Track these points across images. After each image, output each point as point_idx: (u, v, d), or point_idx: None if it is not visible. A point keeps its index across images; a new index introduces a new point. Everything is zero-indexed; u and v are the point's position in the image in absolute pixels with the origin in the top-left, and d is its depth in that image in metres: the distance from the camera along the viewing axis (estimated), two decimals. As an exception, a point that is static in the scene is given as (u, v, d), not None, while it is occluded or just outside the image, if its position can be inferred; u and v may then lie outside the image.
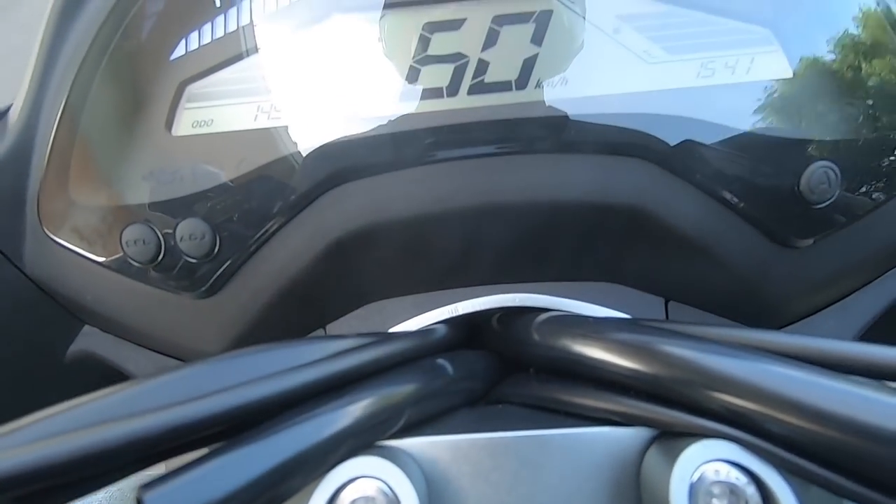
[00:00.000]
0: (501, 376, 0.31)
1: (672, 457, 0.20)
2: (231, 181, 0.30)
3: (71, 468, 0.17)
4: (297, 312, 0.33)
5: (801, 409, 0.19)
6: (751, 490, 0.20)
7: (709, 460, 0.20)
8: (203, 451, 0.19)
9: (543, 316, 0.30)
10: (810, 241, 0.30)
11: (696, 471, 0.20)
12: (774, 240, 0.30)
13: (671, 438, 0.22)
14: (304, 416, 0.21)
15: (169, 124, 0.32)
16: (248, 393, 0.20)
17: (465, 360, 0.29)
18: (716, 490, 0.20)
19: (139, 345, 0.35)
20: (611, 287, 0.34)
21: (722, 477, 0.20)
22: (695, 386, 0.21)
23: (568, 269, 0.34)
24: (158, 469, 0.19)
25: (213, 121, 0.33)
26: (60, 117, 0.31)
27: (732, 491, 0.20)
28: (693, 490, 0.19)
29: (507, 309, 0.32)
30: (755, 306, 0.33)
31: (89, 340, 0.35)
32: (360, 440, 0.22)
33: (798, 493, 0.19)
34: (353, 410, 0.22)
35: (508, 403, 0.29)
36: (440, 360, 0.28)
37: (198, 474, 0.17)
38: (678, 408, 0.22)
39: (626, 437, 0.23)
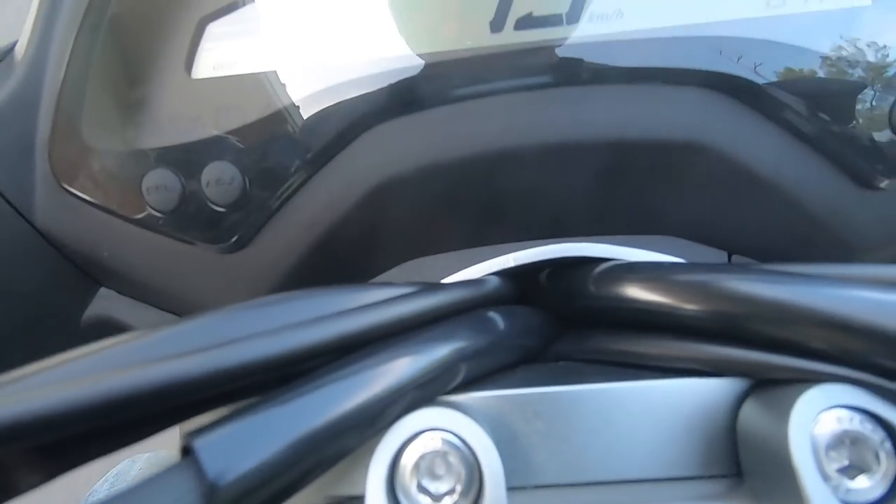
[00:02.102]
0: (557, 335, 0.29)
1: (782, 408, 0.18)
2: (259, 123, 0.28)
3: (100, 412, 0.14)
4: (332, 269, 0.31)
5: None
6: (879, 436, 0.17)
7: (829, 407, 0.17)
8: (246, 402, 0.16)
9: (601, 266, 0.27)
10: (896, 181, 0.28)
11: (815, 421, 0.17)
12: (858, 180, 0.28)
13: (773, 388, 0.19)
14: (359, 364, 0.18)
15: (188, 66, 0.30)
16: (297, 337, 0.17)
17: (520, 314, 0.27)
18: (839, 441, 0.17)
19: (159, 307, 0.32)
20: (670, 241, 0.31)
21: (845, 425, 0.17)
22: (797, 323, 0.19)
23: (624, 222, 0.31)
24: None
25: (235, 62, 0.30)
26: (71, 52, 0.28)
27: (855, 441, 0.17)
28: (815, 443, 0.17)
29: (560, 262, 0.29)
30: (831, 258, 0.30)
31: (106, 304, 0.33)
32: (420, 394, 0.20)
33: None
34: (410, 360, 0.19)
35: (571, 360, 0.26)
36: (493, 313, 0.25)
37: (252, 422, 0.15)
38: (777, 352, 0.19)
39: (716, 388, 0.20)
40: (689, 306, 0.22)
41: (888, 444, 0.17)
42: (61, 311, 0.33)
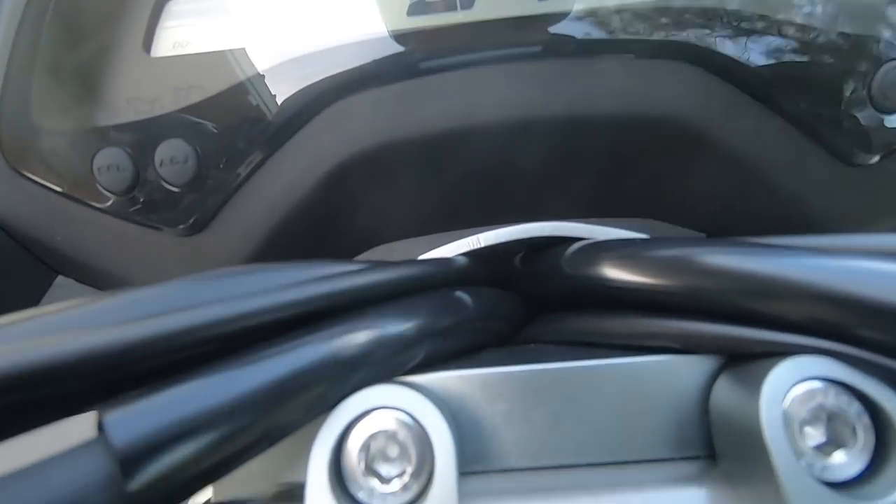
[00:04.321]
0: (528, 319, 0.28)
1: (754, 382, 0.17)
2: (216, 98, 0.27)
3: (15, 385, 0.13)
4: (296, 253, 0.30)
5: None
6: (855, 409, 0.16)
7: (801, 380, 0.16)
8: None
9: (574, 246, 0.26)
10: (877, 157, 0.27)
11: (786, 395, 0.16)
12: (836, 155, 0.27)
13: (745, 363, 0.18)
14: (308, 336, 0.17)
15: (147, 44, 0.29)
16: (241, 305, 0.16)
17: (490, 296, 0.26)
18: (814, 416, 0.16)
19: (119, 296, 0.31)
20: (647, 223, 0.30)
21: (820, 400, 0.16)
22: (768, 294, 0.17)
23: (599, 203, 0.30)
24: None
25: (196, 40, 0.29)
26: (17, 31, 0.27)
27: (831, 415, 0.16)
28: (787, 418, 0.16)
29: (534, 243, 0.28)
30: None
31: (63, 293, 0.32)
32: (374, 371, 0.18)
33: None
34: (365, 334, 0.18)
35: (541, 343, 0.25)
36: (460, 293, 0.24)
37: (170, 394, 0.13)
38: (749, 325, 0.18)
39: (688, 364, 0.19)
40: (661, 281, 0.21)
41: (865, 418, 0.16)
42: (15, 300, 0.32)
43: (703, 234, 0.30)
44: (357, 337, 0.18)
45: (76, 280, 0.32)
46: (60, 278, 0.32)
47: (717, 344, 0.19)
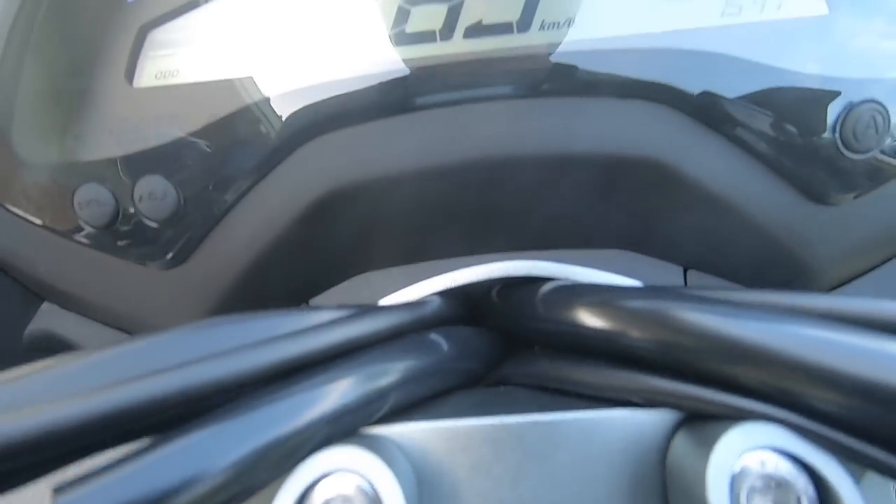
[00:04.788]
0: (503, 356, 0.28)
1: (706, 445, 0.17)
2: (194, 134, 0.27)
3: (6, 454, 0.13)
4: (275, 285, 0.30)
5: (862, 383, 0.15)
6: (802, 482, 0.16)
7: (751, 448, 0.17)
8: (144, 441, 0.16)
9: (549, 285, 0.26)
10: (850, 196, 0.27)
11: (736, 461, 0.16)
12: (810, 196, 0.27)
13: (702, 422, 0.19)
14: (271, 397, 0.17)
15: (129, 74, 0.29)
16: (208, 370, 0.17)
17: (462, 337, 0.26)
18: (760, 484, 0.16)
19: (103, 322, 0.32)
20: (624, 255, 0.31)
21: (768, 468, 0.16)
22: (728, 358, 0.18)
23: (577, 235, 0.30)
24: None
25: (178, 70, 0.29)
26: (0, 61, 0.27)
27: (780, 484, 0.16)
28: (734, 484, 0.16)
29: (510, 279, 0.28)
30: (786, 272, 0.29)
31: (48, 319, 0.32)
32: (339, 427, 0.19)
33: (857, 483, 0.16)
34: (329, 391, 0.19)
35: (511, 385, 0.25)
36: (433, 336, 0.24)
37: (131, 470, 0.14)
38: (709, 385, 0.19)
39: (648, 420, 0.20)
40: (628, 332, 0.21)
41: (811, 490, 0.16)
42: (3, 325, 0.32)
43: (680, 268, 0.31)
44: (329, 395, 0.18)
45: (60, 307, 0.32)
46: (46, 304, 0.33)
47: (676, 401, 0.19)
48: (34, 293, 0.32)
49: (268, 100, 0.27)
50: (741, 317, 0.18)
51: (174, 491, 0.14)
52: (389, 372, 0.21)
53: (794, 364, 0.17)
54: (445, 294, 0.27)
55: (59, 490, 0.13)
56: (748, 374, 0.17)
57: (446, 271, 0.30)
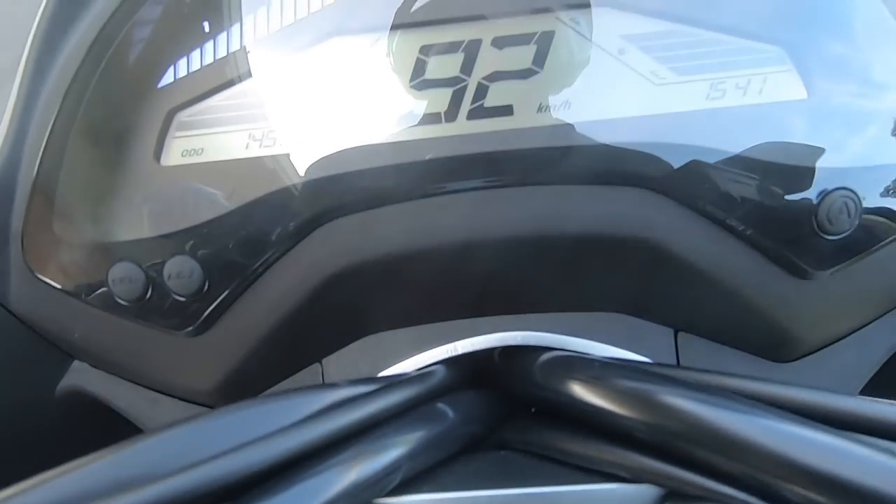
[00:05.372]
0: (504, 416, 0.30)
1: None
2: (221, 216, 0.29)
3: None
4: (291, 348, 0.32)
5: (828, 479, 0.17)
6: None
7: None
8: None
9: (547, 355, 0.28)
10: (827, 272, 0.29)
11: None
12: (789, 271, 0.29)
13: (682, 501, 0.21)
14: (294, 480, 0.20)
15: (157, 154, 0.31)
16: (234, 462, 0.19)
17: (467, 402, 0.28)
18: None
19: (130, 381, 0.34)
20: (617, 318, 0.33)
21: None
22: (708, 445, 0.20)
23: (571, 300, 0.32)
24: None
25: (203, 150, 0.31)
26: (44, 148, 0.30)
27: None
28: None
29: (509, 347, 0.30)
30: (770, 338, 0.31)
31: (79, 376, 0.34)
32: (357, 501, 0.21)
33: None
34: (350, 468, 0.21)
35: (510, 450, 0.27)
36: (440, 406, 0.27)
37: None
38: (690, 467, 0.21)
39: (633, 494, 0.22)
40: (619, 410, 0.23)
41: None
42: (37, 383, 0.34)
43: (671, 330, 0.33)
44: (351, 470, 0.20)
45: (91, 365, 0.34)
46: (76, 362, 0.35)
47: (660, 480, 0.21)
48: (66, 353, 0.34)
49: (289, 183, 0.30)
50: (721, 407, 0.20)
51: None
52: (403, 445, 0.23)
53: (766, 455, 0.19)
54: (449, 361, 0.30)
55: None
56: (725, 461, 0.19)
57: (451, 332, 0.32)
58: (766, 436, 0.19)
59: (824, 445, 0.18)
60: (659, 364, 0.29)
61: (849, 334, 0.32)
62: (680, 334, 0.33)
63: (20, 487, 0.17)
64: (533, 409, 0.29)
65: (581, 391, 0.25)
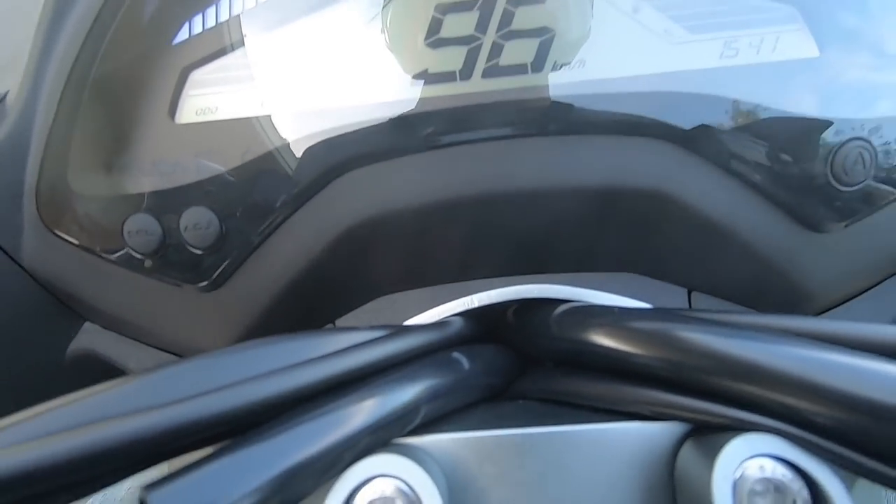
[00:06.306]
0: (520, 371, 0.30)
1: (711, 453, 0.19)
2: (236, 169, 0.29)
3: (66, 470, 0.15)
4: (306, 306, 0.32)
5: (852, 399, 0.17)
6: (797, 486, 0.18)
7: (752, 456, 0.19)
8: (207, 450, 0.18)
9: (562, 307, 0.28)
10: (842, 225, 0.29)
11: (738, 468, 0.18)
12: (804, 224, 0.29)
13: (707, 434, 0.21)
14: (317, 413, 0.19)
15: (172, 112, 0.31)
16: (255, 390, 0.19)
17: (483, 354, 0.28)
18: (760, 488, 0.18)
19: (141, 342, 0.34)
20: (631, 277, 0.33)
21: (767, 473, 0.18)
22: (732, 375, 0.20)
23: (586, 259, 0.32)
24: (160, 469, 0.18)
25: (217, 108, 0.31)
26: (59, 103, 0.30)
27: (778, 488, 0.18)
28: (736, 488, 0.18)
29: (525, 300, 0.30)
30: (784, 295, 0.31)
31: (90, 338, 0.34)
32: (376, 438, 0.21)
33: (849, 488, 0.18)
34: (367, 407, 0.21)
35: (529, 399, 0.27)
36: (457, 354, 0.26)
37: (205, 474, 0.16)
38: (714, 400, 0.21)
39: (657, 432, 0.22)
40: (639, 351, 0.23)
41: (805, 493, 0.18)
42: (48, 345, 0.34)
43: (684, 290, 0.33)
44: (366, 410, 0.20)
45: (102, 327, 0.34)
46: (87, 324, 0.35)
47: (683, 414, 0.21)
48: (77, 314, 0.34)
49: (302, 138, 0.30)
50: (741, 337, 0.20)
51: (251, 490, 0.16)
52: (420, 388, 0.23)
53: (790, 381, 0.19)
54: (465, 315, 0.30)
55: (148, 487, 0.15)
56: (748, 389, 0.19)
57: (464, 293, 0.32)
58: (789, 361, 0.19)
59: (849, 366, 0.18)
60: (672, 309, 0.29)
61: (863, 291, 0.32)
62: (693, 293, 0.33)
63: (22, 415, 0.17)
64: (549, 364, 0.29)
65: (600, 336, 0.24)
